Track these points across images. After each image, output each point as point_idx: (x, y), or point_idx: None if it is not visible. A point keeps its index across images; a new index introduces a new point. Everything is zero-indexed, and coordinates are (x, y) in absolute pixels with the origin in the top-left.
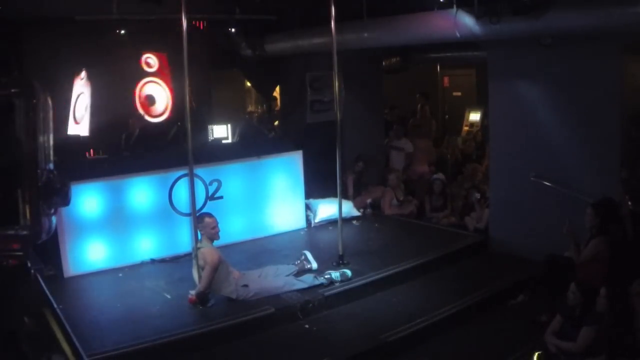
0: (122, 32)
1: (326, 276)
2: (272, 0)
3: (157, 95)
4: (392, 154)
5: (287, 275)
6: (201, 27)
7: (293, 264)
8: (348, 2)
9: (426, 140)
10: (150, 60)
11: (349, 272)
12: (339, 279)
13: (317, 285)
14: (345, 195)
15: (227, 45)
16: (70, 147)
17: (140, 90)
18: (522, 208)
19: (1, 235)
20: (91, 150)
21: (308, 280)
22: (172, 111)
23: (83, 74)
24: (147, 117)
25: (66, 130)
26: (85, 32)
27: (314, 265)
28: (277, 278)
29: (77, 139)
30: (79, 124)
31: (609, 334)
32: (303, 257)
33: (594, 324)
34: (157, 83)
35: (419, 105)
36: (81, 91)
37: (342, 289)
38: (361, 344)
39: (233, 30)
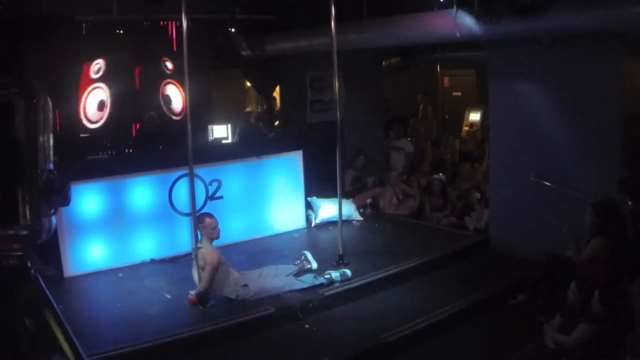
0: (121, 32)
1: (326, 276)
2: (272, 0)
3: (173, 96)
4: (392, 154)
5: (287, 275)
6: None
7: (293, 264)
8: (348, 2)
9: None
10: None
11: (349, 272)
12: (339, 279)
13: (317, 285)
14: (343, 190)
15: (227, 45)
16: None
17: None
18: (522, 208)
19: (1, 235)
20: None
21: (308, 280)
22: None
23: (99, 64)
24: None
25: (78, 130)
26: (85, 32)
27: (314, 265)
28: (277, 278)
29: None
30: (94, 122)
31: (608, 334)
32: (303, 257)
33: (592, 323)
34: (174, 84)
35: (421, 106)
36: (96, 85)
37: (342, 289)
38: (361, 344)
39: (233, 30)
